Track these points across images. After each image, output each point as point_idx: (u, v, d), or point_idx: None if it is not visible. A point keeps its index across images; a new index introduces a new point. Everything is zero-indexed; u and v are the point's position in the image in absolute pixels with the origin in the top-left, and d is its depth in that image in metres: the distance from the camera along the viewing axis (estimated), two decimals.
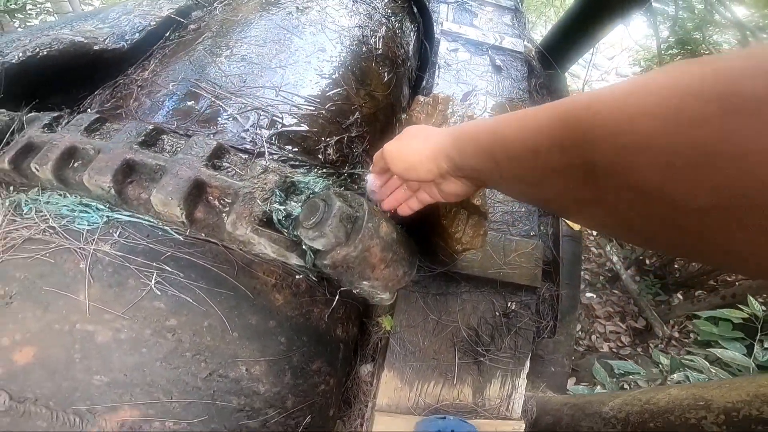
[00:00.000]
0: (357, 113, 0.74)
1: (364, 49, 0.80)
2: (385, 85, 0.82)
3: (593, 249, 4.15)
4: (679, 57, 3.37)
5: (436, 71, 1.30)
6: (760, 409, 0.58)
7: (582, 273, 4.09)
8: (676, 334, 3.63)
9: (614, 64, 6.24)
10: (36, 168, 0.48)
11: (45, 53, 0.64)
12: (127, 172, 0.49)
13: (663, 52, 3.26)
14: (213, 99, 0.60)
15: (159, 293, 0.44)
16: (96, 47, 0.70)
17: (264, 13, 0.77)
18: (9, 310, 0.41)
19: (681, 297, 3.77)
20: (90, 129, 0.53)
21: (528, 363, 0.99)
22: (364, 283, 0.51)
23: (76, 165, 0.50)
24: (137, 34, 0.75)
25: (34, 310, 0.41)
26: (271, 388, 0.46)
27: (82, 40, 0.68)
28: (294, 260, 0.51)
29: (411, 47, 1.02)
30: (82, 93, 0.71)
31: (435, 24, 1.59)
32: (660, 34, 3.21)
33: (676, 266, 3.94)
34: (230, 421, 0.43)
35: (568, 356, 1.34)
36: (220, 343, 0.44)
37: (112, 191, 0.47)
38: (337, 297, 0.55)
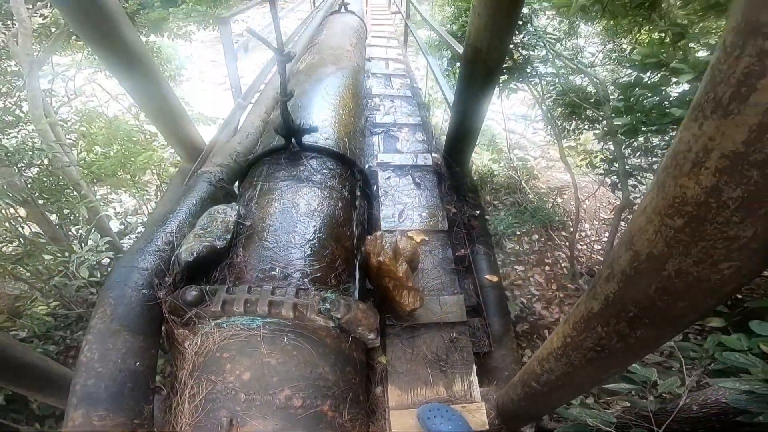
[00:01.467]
0: (338, 260, 1.60)
1: (333, 220, 1.68)
2: (349, 238, 1.71)
3: (570, 285, 4.97)
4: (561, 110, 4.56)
5: (380, 200, 2.23)
6: None
7: (567, 308, 4.93)
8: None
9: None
10: (236, 307, 1.29)
11: (200, 252, 1.47)
12: (271, 303, 1.30)
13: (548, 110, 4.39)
14: (272, 269, 1.45)
15: (287, 344, 1.25)
16: (218, 246, 1.54)
17: (278, 211, 1.64)
18: (234, 361, 1.21)
19: None
20: (248, 290, 1.35)
21: (474, 367, 1.81)
22: (359, 329, 1.33)
23: (249, 304, 1.31)
24: (228, 235, 1.61)
25: (245, 358, 1.22)
26: (332, 378, 1.25)
27: (210, 244, 1.51)
28: (331, 323, 1.33)
29: (358, 203, 1.92)
30: (213, 272, 1.53)
31: (372, 157, 2.57)
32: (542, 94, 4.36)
33: None
34: (316, 389, 1.21)
35: (515, 363, 2.13)
36: (309, 358, 1.25)
37: (266, 310, 1.28)
38: (350, 337, 1.36)
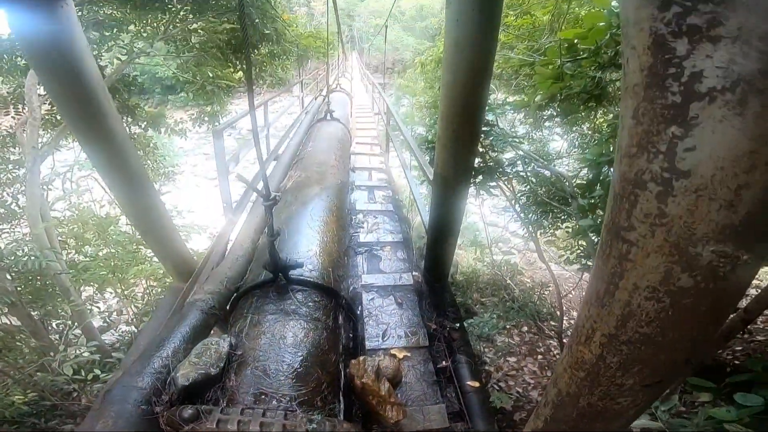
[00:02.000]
0: (324, 384, 1.74)
1: (319, 349, 1.84)
2: (334, 363, 1.86)
3: None
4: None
5: (364, 322, 2.40)
6: None
7: None
8: (683, 408, 4.36)
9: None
10: (230, 426, 1.38)
11: (195, 378, 1.59)
12: (262, 424, 1.41)
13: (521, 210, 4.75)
14: (263, 394, 1.57)
15: None
16: (212, 373, 1.67)
17: (267, 343, 1.80)
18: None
19: None
20: (241, 412, 1.45)
21: None
22: None
23: (242, 424, 1.41)
24: (221, 363, 1.74)
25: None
26: None
27: (204, 371, 1.64)
28: None
29: (342, 329, 2.10)
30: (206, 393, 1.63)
31: (357, 278, 2.78)
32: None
33: None
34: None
35: None
36: None
37: (258, 430, 1.38)
38: None
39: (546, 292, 6.89)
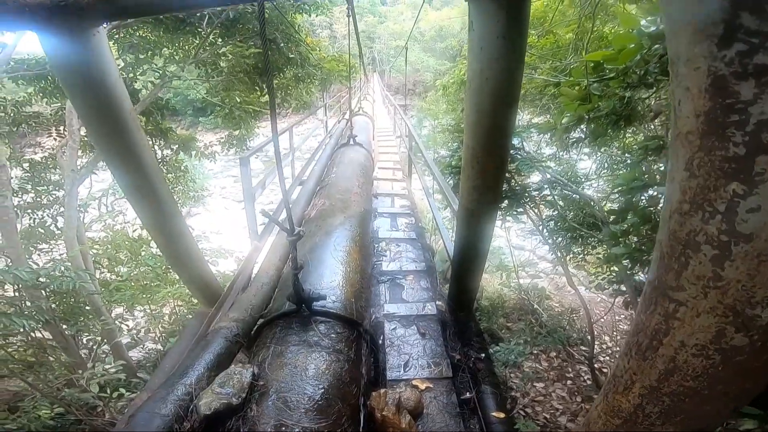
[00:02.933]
0: (344, 417, 1.69)
1: (340, 382, 1.80)
2: (355, 395, 1.81)
3: (595, 396, 4.82)
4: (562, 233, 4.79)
5: (386, 352, 2.35)
6: None
7: None
8: None
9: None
10: None
11: (218, 408, 1.57)
12: None
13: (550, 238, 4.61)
14: (283, 426, 1.54)
15: None
16: (234, 403, 1.66)
17: (289, 374, 1.77)
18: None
19: None
20: None
21: None
22: None
23: None
24: (243, 393, 1.71)
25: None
26: None
27: (227, 401, 1.62)
28: None
29: (364, 361, 2.05)
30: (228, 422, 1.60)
31: (379, 307, 2.74)
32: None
33: None
34: None
35: None
36: None
37: None
38: None
39: (575, 317, 6.64)
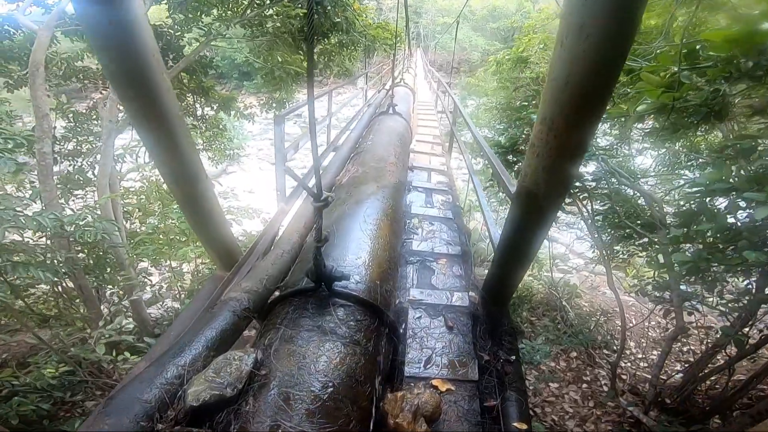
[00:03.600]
0: (353, 421, 1.44)
1: (353, 380, 1.54)
2: (368, 397, 1.55)
3: (610, 403, 4.51)
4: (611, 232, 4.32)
5: (406, 343, 2.08)
6: None
7: (604, 426, 4.41)
8: None
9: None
10: None
11: (207, 400, 1.35)
12: None
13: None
14: (284, 424, 1.30)
15: None
16: (227, 395, 1.42)
17: (296, 365, 1.52)
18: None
19: (718, 420, 3.98)
20: None
21: None
22: None
23: None
24: (240, 384, 1.48)
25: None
26: None
27: (219, 393, 1.39)
28: None
29: (382, 355, 1.79)
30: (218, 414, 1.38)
31: (404, 290, 2.46)
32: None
33: (698, 397, 4.27)
34: None
35: None
36: None
37: None
38: None
39: (603, 319, 6.21)
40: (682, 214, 2.88)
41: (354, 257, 1.94)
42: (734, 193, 2.36)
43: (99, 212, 4.32)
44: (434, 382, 1.96)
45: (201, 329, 1.70)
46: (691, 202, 2.86)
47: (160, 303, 5.32)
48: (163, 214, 5.29)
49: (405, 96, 6.54)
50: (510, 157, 4.04)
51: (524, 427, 1.98)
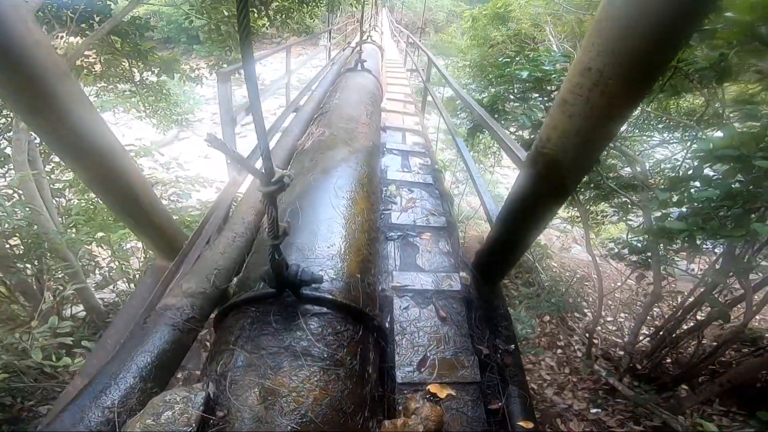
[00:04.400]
0: None
1: (339, 413, 1.11)
2: (361, 427, 1.18)
3: (581, 369, 4.44)
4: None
5: (395, 343, 1.70)
6: None
7: (581, 393, 4.35)
8: (699, 420, 3.80)
9: None
10: None
11: None
12: None
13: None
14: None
15: None
16: None
17: (261, 405, 1.11)
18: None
19: (686, 387, 4.01)
20: None
21: None
22: None
23: None
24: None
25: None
26: None
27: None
28: None
29: (371, 371, 1.40)
30: None
31: (387, 274, 2.06)
32: None
33: (668, 363, 4.27)
34: None
35: None
36: None
37: None
38: None
39: (574, 279, 6.16)
40: (678, 178, 2.62)
41: (326, 245, 1.49)
42: (740, 161, 2.08)
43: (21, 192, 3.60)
44: (432, 389, 1.61)
45: (132, 353, 1.25)
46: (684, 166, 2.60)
47: (112, 286, 4.70)
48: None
49: (373, 53, 5.91)
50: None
51: (530, 425, 1.71)
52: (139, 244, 4.54)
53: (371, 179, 2.16)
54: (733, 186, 2.24)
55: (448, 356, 1.71)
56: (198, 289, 1.51)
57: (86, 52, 5.00)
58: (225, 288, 1.57)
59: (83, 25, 4.76)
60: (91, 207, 4.37)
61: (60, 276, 3.78)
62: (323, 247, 1.48)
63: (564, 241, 7.05)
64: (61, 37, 4.92)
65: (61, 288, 3.56)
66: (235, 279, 1.66)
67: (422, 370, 1.66)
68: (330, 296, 1.27)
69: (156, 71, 5.88)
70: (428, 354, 1.71)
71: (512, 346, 1.97)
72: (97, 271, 4.51)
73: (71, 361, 2.43)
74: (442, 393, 1.62)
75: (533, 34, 7.64)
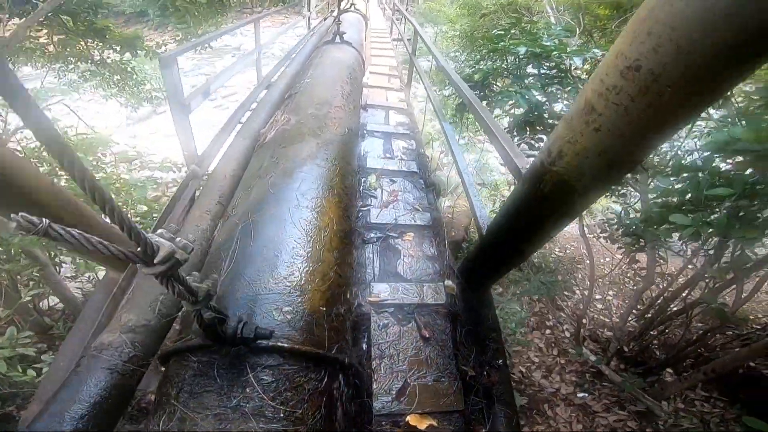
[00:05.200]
0: None
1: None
2: None
3: (571, 350, 4.39)
4: None
5: (373, 369, 1.52)
6: None
7: (569, 376, 4.31)
8: (682, 405, 3.81)
9: None
10: None
11: None
12: None
13: None
14: None
15: None
16: None
17: None
18: None
19: (671, 371, 4.00)
20: None
21: None
22: None
23: None
24: None
25: None
26: None
27: None
28: None
29: (339, 415, 1.22)
30: None
31: (364, 286, 1.86)
32: None
33: (655, 346, 4.24)
34: None
35: None
36: None
37: None
38: None
39: (561, 254, 6.06)
40: (687, 168, 2.40)
41: (283, 274, 1.25)
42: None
43: None
44: (411, 420, 1.45)
45: (64, 406, 1.06)
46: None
47: (88, 275, 4.45)
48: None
49: (356, 23, 5.43)
50: (478, 92, 3.36)
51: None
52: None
53: (345, 176, 1.90)
54: (755, 185, 2.03)
55: (430, 382, 1.54)
56: (140, 322, 1.30)
57: (38, 34, 4.59)
58: (172, 320, 1.36)
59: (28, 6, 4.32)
60: None
61: (31, 272, 3.54)
62: (279, 278, 1.24)
63: None
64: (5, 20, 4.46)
65: (33, 283, 3.36)
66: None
67: (401, 399, 1.49)
68: (286, 344, 1.06)
69: (118, 49, 5.44)
70: (408, 380, 1.54)
71: (500, 361, 1.81)
72: (69, 261, 4.25)
73: (35, 374, 2.25)
74: (423, 424, 1.46)
75: (529, 3, 7.17)
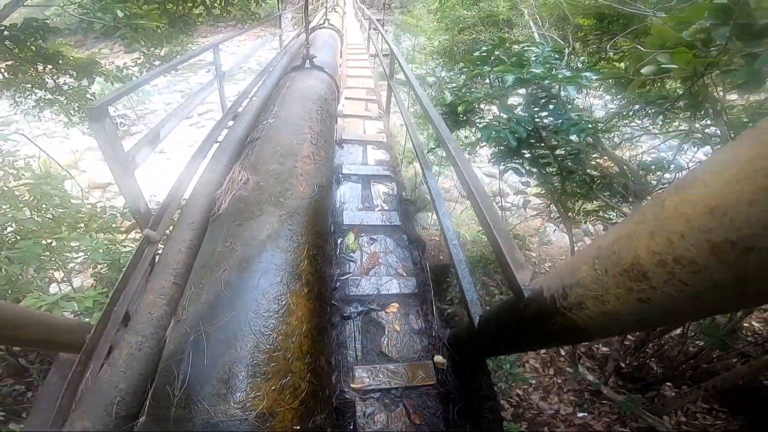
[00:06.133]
0: None
1: None
2: None
3: (568, 369, 4.25)
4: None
5: None
6: None
7: (567, 396, 4.17)
8: (684, 419, 3.74)
9: None
10: None
11: None
12: None
13: None
14: None
15: None
16: None
17: None
18: None
19: (670, 385, 3.90)
20: None
21: None
22: None
23: None
24: None
25: None
26: None
27: None
28: None
29: None
30: None
31: (347, 371, 1.63)
32: None
33: (652, 360, 4.13)
34: None
35: None
36: None
37: None
38: None
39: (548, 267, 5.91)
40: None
41: (244, 396, 1.02)
42: None
43: None
44: None
45: None
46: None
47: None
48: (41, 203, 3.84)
49: (329, 41, 5.06)
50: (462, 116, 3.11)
51: None
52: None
53: (316, 255, 1.60)
54: None
55: None
56: (95, 428, 1.08)
57: None
58: (133, 422, 1.14)
59: None
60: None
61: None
62: (240, 403, 1.02)
63: (534, 225, 6.73)
64: None
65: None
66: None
67: None
68: None
69: (74, 75, 5.09)
70: None
71: None
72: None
73: None
74: None
75: (509, 16, 6.93)
